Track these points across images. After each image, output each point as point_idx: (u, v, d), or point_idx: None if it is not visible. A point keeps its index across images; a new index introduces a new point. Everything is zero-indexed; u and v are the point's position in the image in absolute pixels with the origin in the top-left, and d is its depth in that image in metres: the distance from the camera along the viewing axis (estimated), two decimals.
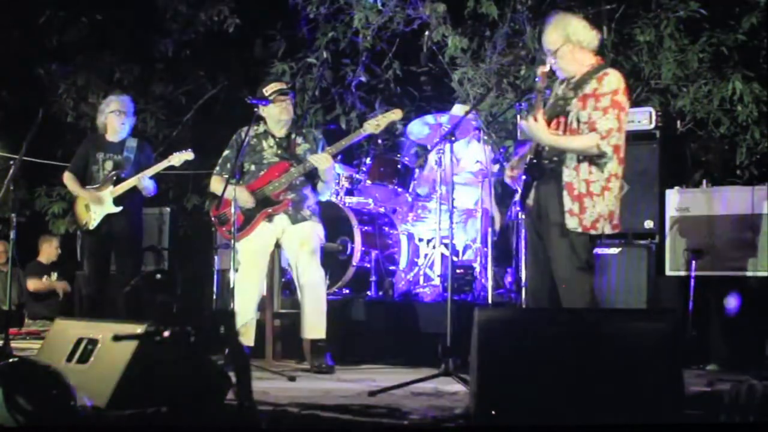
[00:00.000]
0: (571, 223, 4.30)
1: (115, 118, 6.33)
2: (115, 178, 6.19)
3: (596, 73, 4.36)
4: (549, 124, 4.38)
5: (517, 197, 4.57)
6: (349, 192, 6.71)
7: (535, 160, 4.43)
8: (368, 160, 6.52)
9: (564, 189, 4.33)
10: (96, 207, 6.20)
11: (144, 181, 6.13)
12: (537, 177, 4.44)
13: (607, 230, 4.35)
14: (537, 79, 4.51)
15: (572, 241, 4.32)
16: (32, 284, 8.60)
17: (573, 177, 4.32)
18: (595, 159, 4.30)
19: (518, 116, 5.05)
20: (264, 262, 5.52)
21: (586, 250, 4.36)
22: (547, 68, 4.45)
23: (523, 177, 4.49)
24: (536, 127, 4.32)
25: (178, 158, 6.18)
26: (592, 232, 4.32)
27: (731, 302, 5.58)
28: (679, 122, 6.68)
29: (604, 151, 4.28)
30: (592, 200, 4.30)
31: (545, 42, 4.48)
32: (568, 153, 4.34)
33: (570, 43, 4.40)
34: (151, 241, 7.58)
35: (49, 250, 8.79)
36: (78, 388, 3.23)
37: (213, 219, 5.61)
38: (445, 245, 6.18)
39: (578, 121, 4.34)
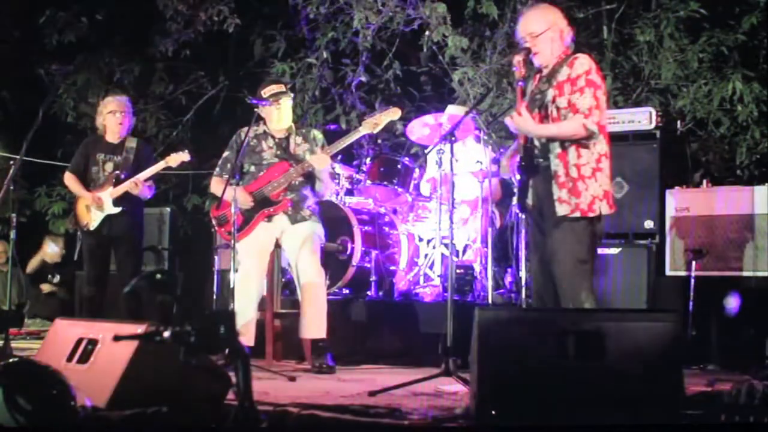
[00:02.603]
0: (567, 209, 4.28)
1: (112, 119, 6.32)
2: (115, 179, 6.19)
3: (566, 60, 4.39)
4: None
5: (515, 200, 4.55)
6: (349, 192, 6.71)
7: (525, 160, 4.41)
8: (368, 160, 6.52)
9: (554, 179, 4.32)
10: (96, 208, 6.19)
11: (139, 186, 6.08)
12: (531, 176, 4.43)
13: (605, 210, 4.33)
14: (514, 69, 4.49)
15: (573, 230, 4.29)
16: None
17: (562, 165, 4.31)
18: (583, 141, 4.30)
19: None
20: (264, 262, 5.52)
21: (588, 242, 4.32)
22: (521, 56, 4.43)
23: (518, 177, 4.48)
24: (522, 120, 4.31)
25: (174, 159, 6.17)
26: (591, 214, 4.29)
27: (731, 302, 5.58)
28: (679, 122, 6.68)
29: (592, 130, 4.27)
30: (585, 183, 4.29)
31: (527, 26, 4.46)
32: (554, 143, 4.33)
33: (553, 30, 4.42)
34: (151, 241, 7.58)
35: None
36: (78, 388, 3.22)
37: (213, 220, 5.62)
38: (445, 245, 6.18)
39: (557, 108, 4.33)
